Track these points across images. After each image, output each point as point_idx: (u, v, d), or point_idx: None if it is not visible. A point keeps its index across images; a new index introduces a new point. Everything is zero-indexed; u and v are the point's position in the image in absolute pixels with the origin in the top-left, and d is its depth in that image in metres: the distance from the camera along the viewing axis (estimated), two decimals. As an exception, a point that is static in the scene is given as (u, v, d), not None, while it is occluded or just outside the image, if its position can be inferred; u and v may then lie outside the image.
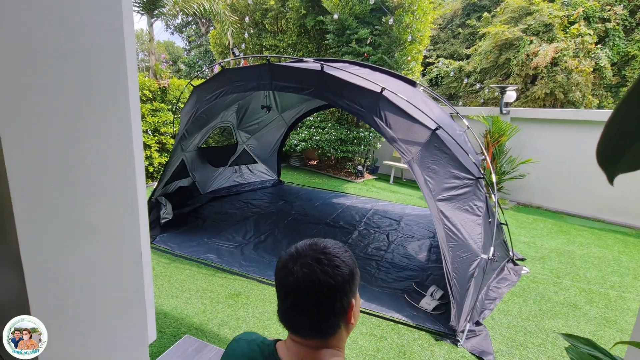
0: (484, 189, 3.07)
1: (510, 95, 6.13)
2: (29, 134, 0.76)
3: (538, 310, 2.87)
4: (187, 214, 4.66)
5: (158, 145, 5.97)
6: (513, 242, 3.92)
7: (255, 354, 0.78)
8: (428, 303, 2.78)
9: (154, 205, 4.02)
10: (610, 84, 10.56)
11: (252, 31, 7.54)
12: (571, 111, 6.96)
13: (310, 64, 2.97)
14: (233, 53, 7.85)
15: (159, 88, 5.85)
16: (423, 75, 13.62)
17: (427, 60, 14.51)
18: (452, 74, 12.19)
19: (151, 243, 3.73)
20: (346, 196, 6.27)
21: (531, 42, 11.09)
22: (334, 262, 0.72)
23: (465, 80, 12.13)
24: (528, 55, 10.97)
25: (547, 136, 6.07)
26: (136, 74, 1.66)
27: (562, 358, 2.32)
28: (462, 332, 2.42)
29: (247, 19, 7.09)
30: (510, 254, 3.68)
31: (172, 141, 6.05)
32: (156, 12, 6.04)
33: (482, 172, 3.10)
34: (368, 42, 5.95)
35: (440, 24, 16.01)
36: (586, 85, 10.18)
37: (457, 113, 3.93)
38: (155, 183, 6.08)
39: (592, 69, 10.16)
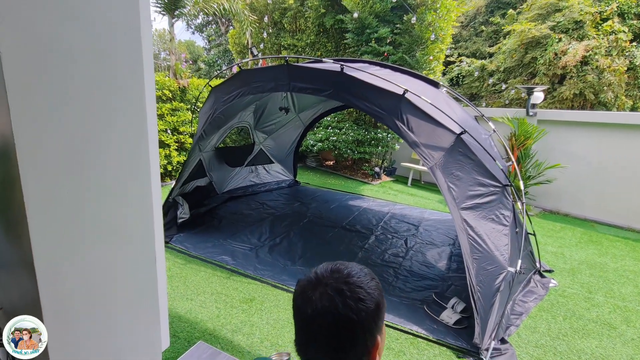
0: (511, 196, 2.90)
1: (538, 96, 5.84)
2: (41, 136, 0.72)
3: (569, 329, 2.68)
4: (203, 213, 4.67)
5: (177, 144, 6.04)
6: (539, 251, 3.71)
7: None
8: (449, 316, 2.65)
9: (171, 205, 4.04)
10: (646, 84, 9.96)
11: (270, 31, 7.52)
12: (605, 113, 6.57)
13: (329, 65, 2.89)
14: (251, 52, 7.86)
15: (179, 88, 5.91)
16: (443, 74, 13.28)
17: (447, 59, 14.13)
18: (476, 73, 11.77)
19: (168, 243, 3.75)
20: (363, 198, 6.16)
21: (560, 40, 10.58)
22: (357, 294, 0.63)
23: (490, 80, 11.69)
24: (556, 54, 10.48)
25: (577, 140, 5.75)
26: (152, 75, 1.62)
27: (597, 383, 2.15)
28: (487, 350, 2.28)
29: (266, 19, 7.07)
30: (537, 265, 3.48)
31: (190, 140, 6.10)
32: (177, 12, 6.10)
33: (509, 178, 2.93)
34: (388, 41, 5.80)
35: (462, 22, 15.56)
36: (619, 85, 9.63)
37: (482, 115, 3.75)
38: (174, 182, 6.17)
39: (626, 69, 9.60)
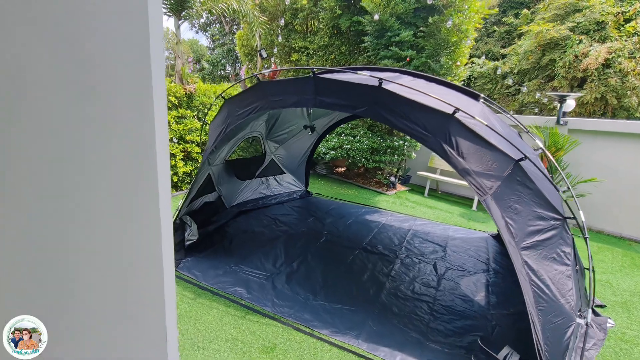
0: (570, 230, 2.52)
1: (570, 104, 5.44)
2: (28, 142, 0.62)
3: (642, 387, 2.30)
4: (212, 232, 4.32)
5: (183, 154, 5.69)
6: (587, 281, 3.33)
7: None
8: (504, 373, 2.27)
9: (178, 227, 3.69)
10: (674, 89, 9.51)
11: (280, 32, 7.15)
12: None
13: (362, 78, 2.51)
14: (260, 55, 7.49)
15: (185, 94, 5.55)
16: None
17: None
18: (498, 71, 11.29)
19: (175, 269, 3.39)
20: (380, 212, 5.78)
21: (580, 41, 10.14)
22: None
23: (510, 81, 11.26)
24: (576, 56, 10.05)
25: (612, 151, 5.34)
26: (164, 84, 1.27)
27: None
28: None
29: (282, 21, 6.68)
30: (592, 301, 3.09)
31: (197, 149, 5.75)
32: (184, 13, 5.74)
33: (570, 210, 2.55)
34: (410, 44, 5.40)
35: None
36: (645, 89, 9.18)
37: (527, 131, 3.35)
38: (180, 193, 5.84)
39: (652, 72, 9.15)
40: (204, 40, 34.55)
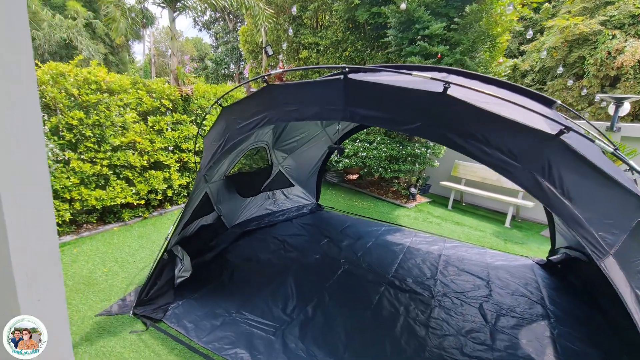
0: None
1: (626, 107, 4.67)
2: None
3: None
4: (209, 261, 3.64)
5: (179, 164, 5.01)
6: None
7: None
8: None
9: (166, 263, 3.00)
10: None
11: (290, 25, 6.43)
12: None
13: (414, 80, 1.79)
14: (266, 52, 6.78)
15: (181, 96, 4.87)
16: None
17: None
18: (540, 62, 10.41)
19: (161, 320, 2.72)
20: (402, 231, 5.07)
21: (614, 36, 9.31)
22: None
23: (531, 80, 10.45)
24: (610, 53, 9.22)
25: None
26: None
27: None
28: None
29: (293, 10, 5.94)
30: None
31: (194, 159, 5.07)
32: (179, 4, 5.06)
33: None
34: (441, 39, 4.64)
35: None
36: (689, 89, 8.34)
37: (616, 149, 2.61)
38: (175, 208, 5.17)
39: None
40: (207, 39, 33.94)
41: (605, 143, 1.78)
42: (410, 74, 1.70)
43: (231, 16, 25.82)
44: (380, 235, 4.81)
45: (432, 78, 1.64)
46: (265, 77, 2.12)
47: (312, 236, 4.62)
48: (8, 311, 0.81)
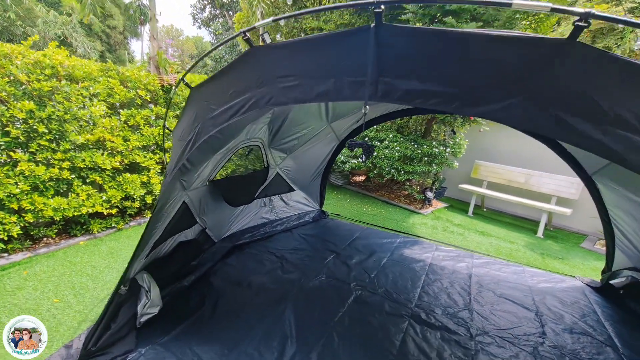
0: None
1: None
2: None
3: None
4: (188, 288, 2.93)
5: (160, 166, 4.31)
6: None
7: None
8: None
9: (124, 299, 2.28)
10: None
11: (286, 9, 5.71)
12: None
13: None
14: (263, 40, 6.02)
15: (161, 86, 4.16)
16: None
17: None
18: None
19: (112, 380, 2.00)
20: (421, 243, 4.34)
21: (643, 25, 8.50)
22: None
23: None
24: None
25: None
26: None
27: None
28: None
29: None
30: None
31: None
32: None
33: None
34: (470, 15, 3.87)
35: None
36: None
37: None
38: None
39: None
40: (207, 37, 33.29)
41: None
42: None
43: (230, 12, 25.18)
44: (395, 250, 4.09)
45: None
46: (247, 35, 1.41)
47: (315, 251, 3.90)
48: None
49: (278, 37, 6.47)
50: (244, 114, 1.50)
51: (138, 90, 3.92)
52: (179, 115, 1.98)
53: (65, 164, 3.34)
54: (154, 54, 4.26)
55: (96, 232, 3.81)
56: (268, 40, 3.86)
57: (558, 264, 4.09)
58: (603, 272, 3.48)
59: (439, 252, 4.13)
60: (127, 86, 3.89)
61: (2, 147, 2.96)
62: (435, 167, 5.41)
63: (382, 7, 1.05)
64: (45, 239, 3.53)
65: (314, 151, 4.36)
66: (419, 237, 4.57)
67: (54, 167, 3.26)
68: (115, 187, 3.82)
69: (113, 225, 3.98)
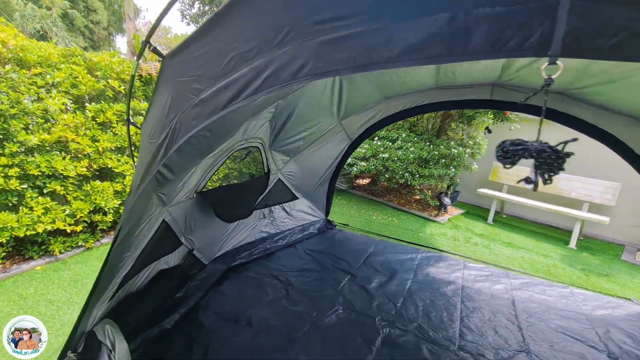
0: None
1: None
2: None
3: None
4: (169, 332, 2.26)
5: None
6: None
7: None
8: None
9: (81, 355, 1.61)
10: None
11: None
12: None
13: None
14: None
15: (140, 76, 3.48)
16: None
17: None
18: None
19: None
20: (446, 259, 3.75)
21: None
22: None
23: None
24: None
25: None
26: None
27: None
28: None
29: None
30: None
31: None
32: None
33: None
34: None
35: None
36: None
37: None
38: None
39: None
40: (196, 34, 32.31)
41: None
42: None
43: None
44: (418, 269, 3.49)
45: None
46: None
47: (325, 271, 3.27)
48: None
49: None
50: (252, 95, 0.86)
51: (109, 80, 3.23)
52: (149, 103, 1.33)
53: (13, 171, 2.63)
54: (130, 38, 3.57)
55: (58, 254, 3.10)
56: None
57: (605, 283, 3.55)
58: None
59: (469, 270, 3.54)
60: (96, 75, 3.20)
61: None
62: (453, 169, 4.84)
63: None
64: (-10, 264, 2.82)
65: (321, 153, 3.73)
66: (442, 251, 3.99)
67: (-4, 175, 2.56)
68: (82, 197, 3.13)
69: (80, 243, 3.28)
